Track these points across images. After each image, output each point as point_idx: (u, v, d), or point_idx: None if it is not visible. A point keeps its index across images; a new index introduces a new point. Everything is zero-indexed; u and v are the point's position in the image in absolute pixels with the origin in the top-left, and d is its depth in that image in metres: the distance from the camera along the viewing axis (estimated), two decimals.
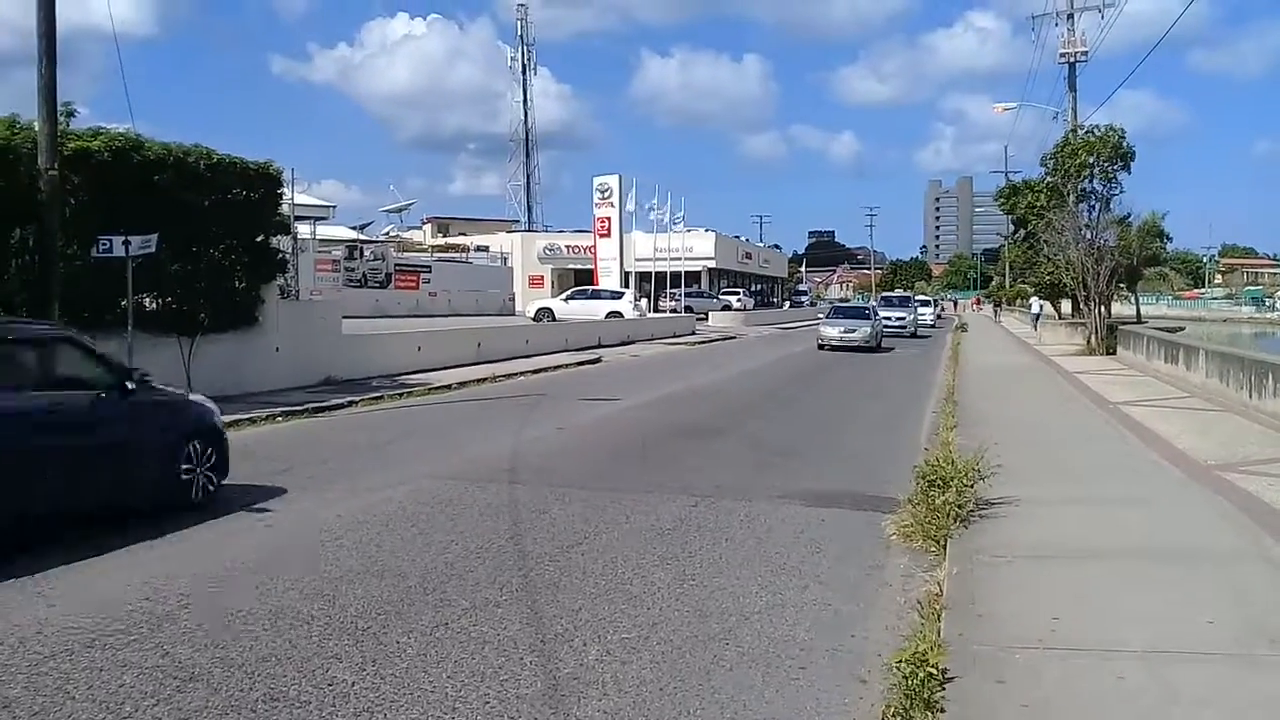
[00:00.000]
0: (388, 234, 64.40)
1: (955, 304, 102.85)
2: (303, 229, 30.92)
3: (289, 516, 8.40)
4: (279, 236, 17.84)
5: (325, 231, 39.39)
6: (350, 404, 16.06)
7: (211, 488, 8.79)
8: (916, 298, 62.54)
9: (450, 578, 6.59)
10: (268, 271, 16.93)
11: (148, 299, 14.71)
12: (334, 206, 34.49)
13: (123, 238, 13.04)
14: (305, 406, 15.10)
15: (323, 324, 19.35)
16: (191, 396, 9.62)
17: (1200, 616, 5.56)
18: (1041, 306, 46.39)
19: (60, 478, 7.35)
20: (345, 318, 21.38)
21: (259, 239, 16.60)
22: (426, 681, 4.88)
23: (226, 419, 13.31)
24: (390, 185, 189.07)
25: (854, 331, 32.87)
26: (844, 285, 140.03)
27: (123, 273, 13.24)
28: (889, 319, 41.05)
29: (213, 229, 15.40)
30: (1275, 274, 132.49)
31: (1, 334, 7.68)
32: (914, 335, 42.32)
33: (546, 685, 4.88)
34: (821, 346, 32.70)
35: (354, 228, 51.98)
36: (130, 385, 8.09)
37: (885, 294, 63.87)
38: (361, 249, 42.85)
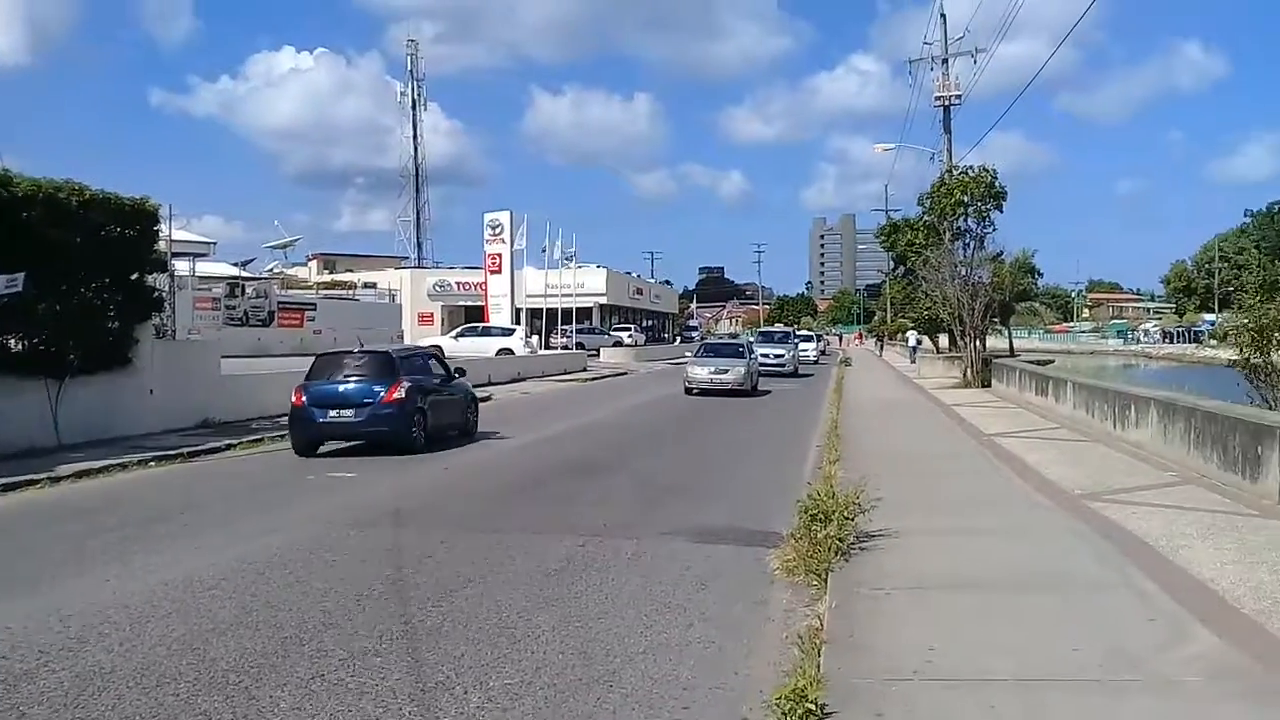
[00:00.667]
0: (271, 271, 62.87)
1: (841, 338, 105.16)
2: (181, 266, 30.01)
3: (158, 566, 8.08)
4: (155, 274, 17.28)
5: (206, 268, 38.33)
6: (228, 447, 15.59)
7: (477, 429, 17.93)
8: (799, 333, 60.92)
9: (328, 626, 6.43)
10: (143, 311, 16.38)
11: (13, 340, 14.08)
12: (215, 243, 33.58)
13: None
14: (180, 451, 14.60)
15: (200, 364, 18.78)
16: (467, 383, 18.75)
17: (1067, 645, 5.76)
18: (918, 340, 48.85)
19: (444, 414, 16.81)
20: (225, 357, 20.78)
21: (134, 277, 16.05)
22: None
23: (94, 465, 12.92)
24: (275, 221, 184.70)
25: (726, 372, 28.91)
26: (733, 320, 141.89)
27: None
28: (767, 356, 37.08)
29: (85, 267, 14.83)
30: (1138, 308, 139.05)
31: (421, 351, 18.84)
32: (794, 374, 38.85)
33: None
34: (690, 390, 28.75)
35: (236, 265, 50.66)
36: (458, 375, 18.12)
37: (764, 329, 58.09)
38: (243, 286, 41.77)
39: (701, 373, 29.06)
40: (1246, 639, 5.83)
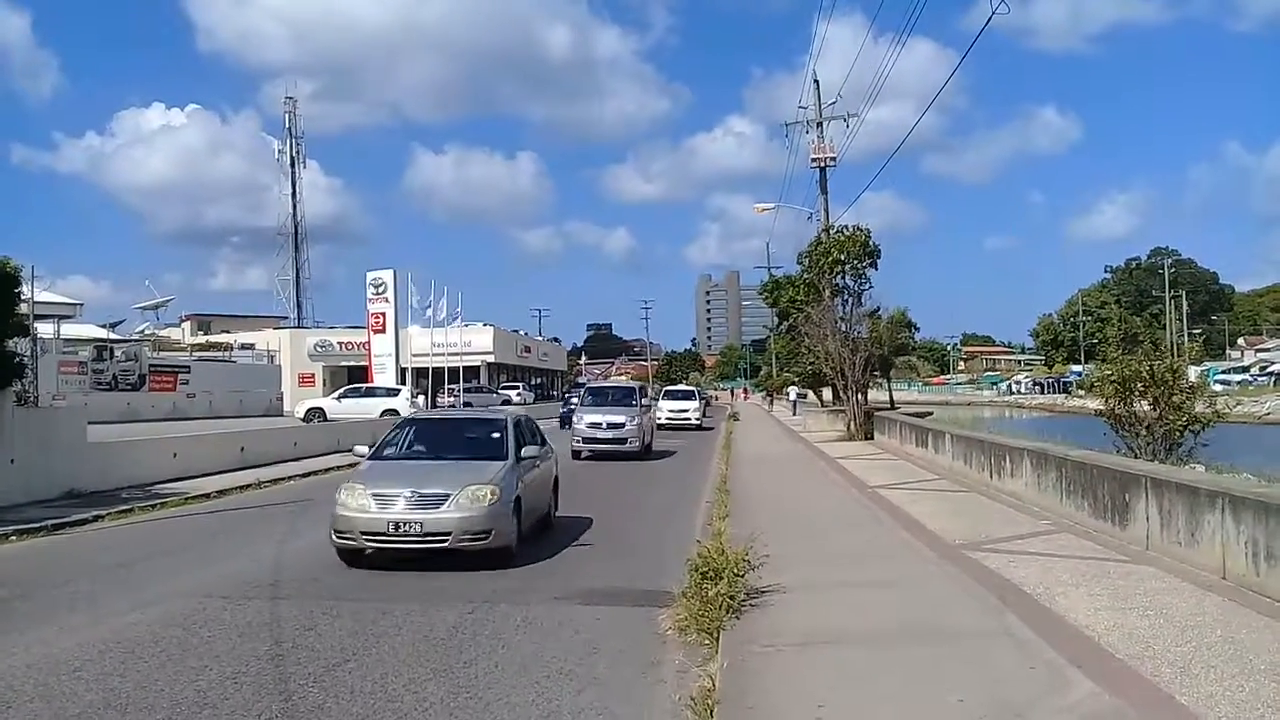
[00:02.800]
0: (142, 333, 60.76)
1: (733, 392, 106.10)
2: (45, 329, 28.76)
3: (20, 648, 7.60)
4: (16, 339, 16.50)
5: (71, 331, 36.81)
6: (96, 519, 14.84)
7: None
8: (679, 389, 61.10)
9: (203, 707, 6.13)
10: (2, 378, 15.59)
11: None
12: (81, 304, 32.24)
13: None
14: (43, 524, 13.85)
15: (65, 432, 17.91)
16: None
17: (953, 696, 5.87)
18: (800, 394, 55.33)
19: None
20: (93, 423, 19.90)
21: None
22: None
23: None
24: (146, 281, 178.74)
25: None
26: (624, 376, 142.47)
27: None
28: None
29: None
30: (1010, 360, 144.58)
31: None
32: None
33: None
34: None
35: (104, 326, 48.73)
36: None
37: (670, 387, 61.45)
38: (112, 349, 40.25)
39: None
40: (1121, 684, 6.03)
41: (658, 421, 35.51)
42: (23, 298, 16.67)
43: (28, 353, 17.51)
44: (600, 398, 29.41)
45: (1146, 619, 7.52)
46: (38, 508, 15.27)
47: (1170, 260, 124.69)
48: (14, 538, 13.06)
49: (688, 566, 8.80)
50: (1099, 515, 11.60)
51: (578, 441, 25.99)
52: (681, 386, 62.04)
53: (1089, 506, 11.94)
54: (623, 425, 25.87)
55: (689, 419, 42.81)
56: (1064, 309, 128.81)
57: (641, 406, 28.11)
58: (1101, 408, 16.82)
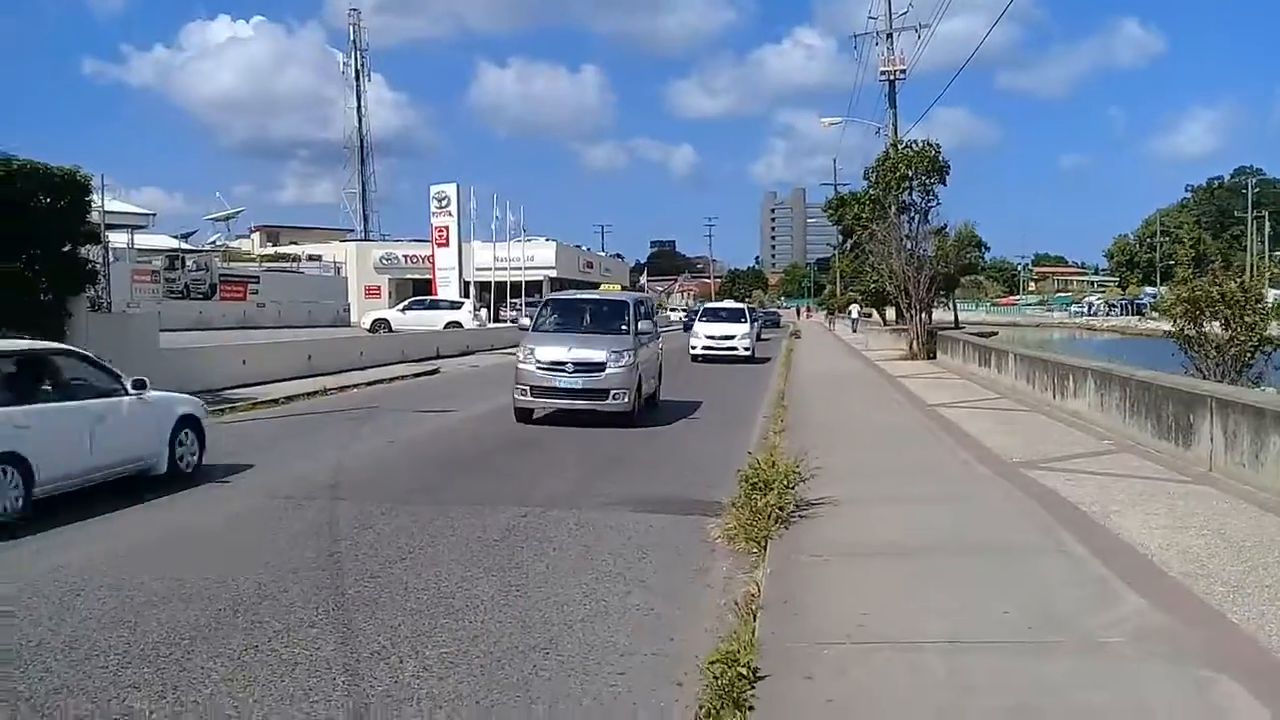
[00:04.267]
0: (213, 243, 61.82)
1: (798, 311, 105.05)
2: (118, 238, 29.44)
3: (92, 540, 7.93)
4: (88, 246, 16.89)
5: (145, 241, 37.58)
6: None
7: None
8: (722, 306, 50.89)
9: (263, 599, 6.35)
10: (75, 283, 16.00)
11: None
12: (153, 215, 32.81)
13: None
14: None
15: (138, 338, 18.37)
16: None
17: (998, 608, 5.86)
18: (858, 311, 52.90)
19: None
20: (165, 331, 20.45)
21: (65, 249, 15.67)
22: (230, 705, 4.70)
23: None
24: (216, 193, 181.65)
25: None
26: (685, 294, 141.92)
27: None
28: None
29: (12, 238, 14.45)
30: (1083, 281, 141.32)
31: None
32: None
33: (358, 704, 4.77)
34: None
35: (177, 236, 49.75)
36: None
37: (709, 305, 44.94)
38: (184, 259, 41.09)
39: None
40: (1172, 601, 5.98)
41: (692, 352, 30.66)
42: (94, 206, 17.01)
43: (100, 260, 17.95)
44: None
45: (1202, 538, 7.41)
46: None
47: (1254, 180, 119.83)
48: None
49: (738, 477, 8.84)
50: (1162, 436, 11.39)
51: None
52: (726, 304, 45.24)
53: (1152, 427, 11.73)
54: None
55: (734, 349, 31.08)
56: (1141, 229, 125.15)
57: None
58: (1171, 329, 16.40)
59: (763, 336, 40.90)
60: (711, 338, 31.28)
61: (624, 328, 15.95)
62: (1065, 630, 5.50)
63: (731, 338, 31.27)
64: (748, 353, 31.07)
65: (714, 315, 34.20)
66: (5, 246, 14.36)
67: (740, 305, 41.60)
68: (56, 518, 8.34)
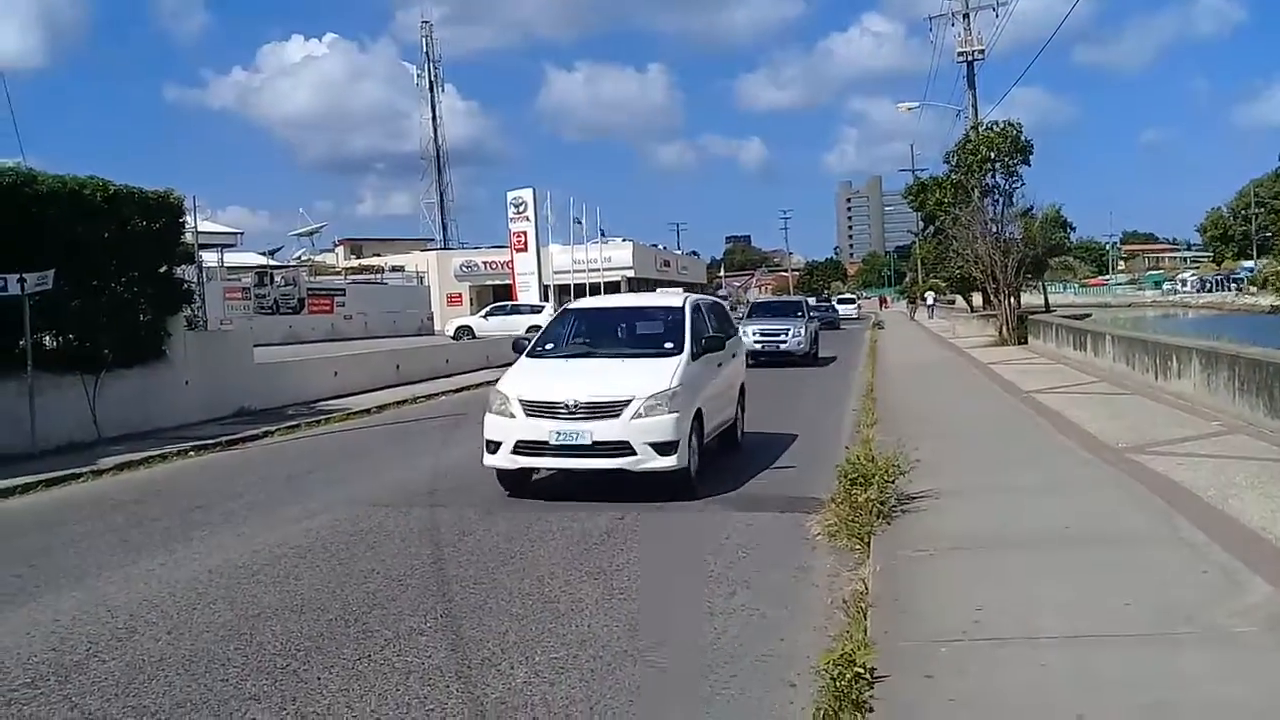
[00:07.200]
0: (299, 258, 63.27)
1: (883, 301, 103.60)
2: (209, 257, 30.28)
3: (202, 554, 8.13)
4: (183, 266, 17.35)
5: (234, 259, 38.70)
6: (266, 434, 15.67)
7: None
8: (839, 297, 52.85)
9: (372, 608, 6.44)
10: (173, 303, 16.45)
11: (47, 337, 14.20)
12: (241, 233, 33.95)
13: (17, 276, 12.56)
14: (218, 440, 14.69)
15: (234, 354, 18.87)
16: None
17: (1118, 600, 5.66)
18: (934, 298, 56.50)
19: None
20: (258, 346, 20.91)
21: (162, 270, 16.11)
22: (350, 717, 4.75)
23: (135, 457, 13.02)
24: (300, 209, 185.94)
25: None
26: (762, 288, 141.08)
27: (19, 312, 12.76)
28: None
29: (113, 262, 14.92)
30: (1174, 258, 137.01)
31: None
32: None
33: (474, 712, 4.78)
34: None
35: (264, 253, 51.07)
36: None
37: (760, 300, 44.33)
38: (272, 275, 42.08)
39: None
40: None
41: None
42: (186, 227, 17.47)
43: (195, 280, 18.44)
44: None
45: None
46: (212, 425, 16.20)
47: None
48: (192, 453, 13.89)
49: (836, 472, 8.71)
50: (1275, 415, 10.93)
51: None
52: (778, 297, 43.69)
53: (1264, 406, 11.27)
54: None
55: (786, 349, 27.18)
56: (1235, 201, 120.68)
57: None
58: (1277, 303, 15.75)
59: (846, 324, 39.52)
60: (763, 337, 27.32)
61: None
62: (1192, 621, 5.28)
63: (780, 336, 27.52)
64: (803, 352, 27.32)
65: (764, 311, 31.32)
66: (108, 270, 14.82)
67: (796, 299, 37.63)
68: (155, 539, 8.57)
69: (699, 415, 10.10)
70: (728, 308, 12.80)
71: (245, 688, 5.14)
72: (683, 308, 11.31)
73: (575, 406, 9.42)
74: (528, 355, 11.01)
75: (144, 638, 5.98)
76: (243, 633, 6.00)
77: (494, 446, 9.76)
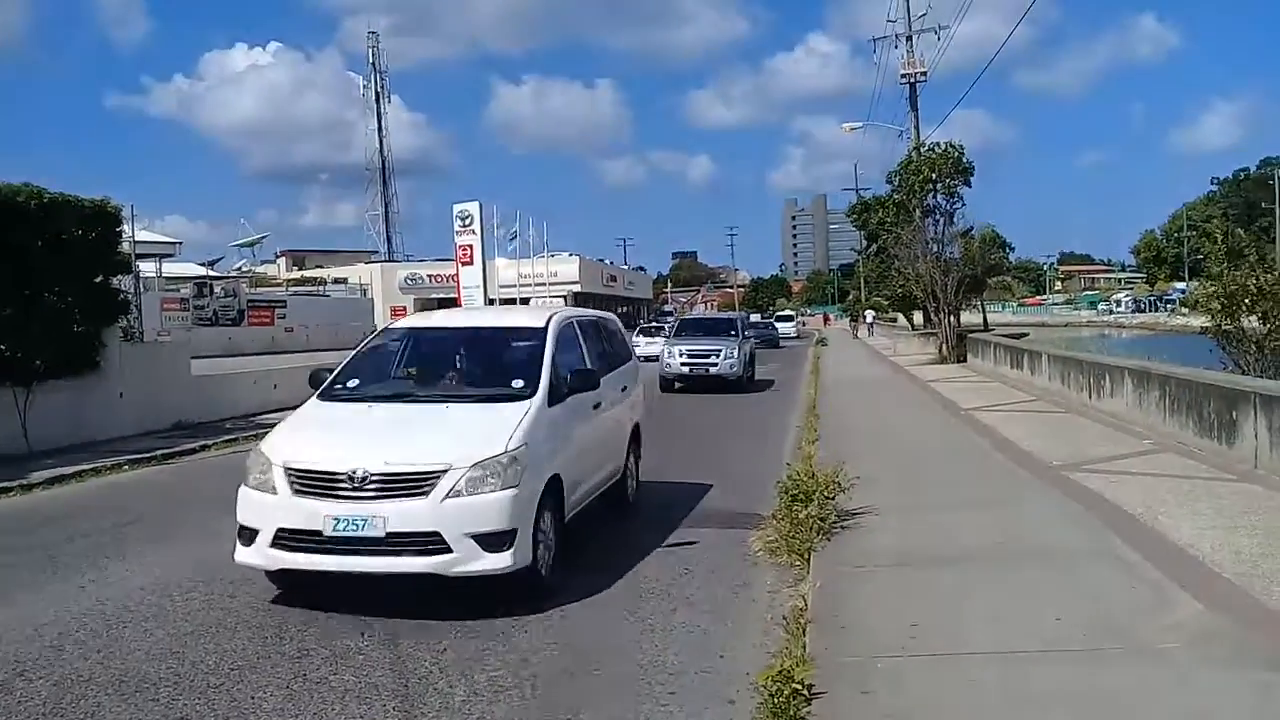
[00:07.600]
0: (240, 269, 62.38)
1: (826, 319, 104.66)
2: (147, 267, 29.70)
3: (135, 571, 7.96)
4: (120, 276, 17.02)
5: (172, 269, 38.03)
6: (203, 448, 15.40)
7: None
8: (778, 314, 56.69)
9: (310, 626, 6.34)
10: (108, 313, 16.11)
11: None
12: (180, 243, 33.15)
13: None
14: (154, 454, 14.41)
15: (171, 366, 18.54)
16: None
17: (1050, 615, 5.77)
18: (873, 316, 59.82)
19: None
20: (196, 358, 20.56)
21: (98, 279, 15.77)
22: None
23: (66, 471, 12.72)
24: (241, 219, 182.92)
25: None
26: (708, 304, 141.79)
27: None
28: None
29: (47, 271, 14.57)
30: (1110, 279, 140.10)
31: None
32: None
33: None
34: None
35: (203, 264, 50.27)
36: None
37: (689, 317, 39.85)
38: (211, 286, 41.47)
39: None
40: (1228, 604, 5.87)
41: (664, 374, 24.21)
42: (124, 236, 17.15)
43: (131, 290, 18.09)
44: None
45: (1254, 538, 7.28)
46: (148, 439, 15.89)
47: None
48: (127, 467, 13.61)
49: (777, 489, 8.77)
50: (1204, 434, 11.23)
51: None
52: (709, 314, 39.97)
53: (1194, 425, 11.57)
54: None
55: (716, 371, 24.13)
56: (1168, 224, 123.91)
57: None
58: (1206, 325, 16.17)
59: (786, 342, 38.56)
60: (690, 357, 24.40)
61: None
62: (1121, 637, 5.40)
63: (710, 358, 24.24)
64: (735, 376, 24.17)
65: (694, 329, 27.48)
66: (41, 279, 14.48)
67: (730, 316, 33.35)
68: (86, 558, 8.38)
69: (555, 485, 7.21)
70: (619, 327, 10.67)
71: (177, 708, 5.04)
72: (544, 329, 8.26)
73: (364, 479, 6.42)
74: (319, 396, 8.01)
75: (72, 656, 5.85)
76: (175, 651, 5.89)
77: (247, 536, 6.76)
